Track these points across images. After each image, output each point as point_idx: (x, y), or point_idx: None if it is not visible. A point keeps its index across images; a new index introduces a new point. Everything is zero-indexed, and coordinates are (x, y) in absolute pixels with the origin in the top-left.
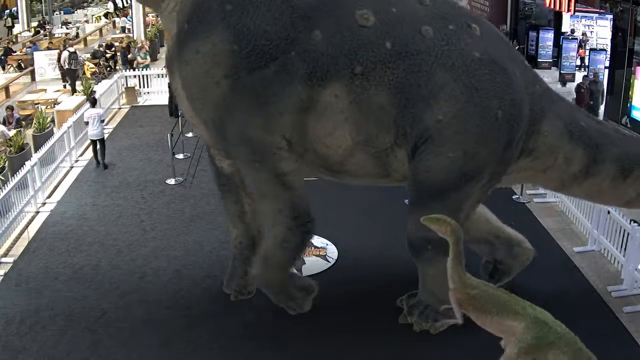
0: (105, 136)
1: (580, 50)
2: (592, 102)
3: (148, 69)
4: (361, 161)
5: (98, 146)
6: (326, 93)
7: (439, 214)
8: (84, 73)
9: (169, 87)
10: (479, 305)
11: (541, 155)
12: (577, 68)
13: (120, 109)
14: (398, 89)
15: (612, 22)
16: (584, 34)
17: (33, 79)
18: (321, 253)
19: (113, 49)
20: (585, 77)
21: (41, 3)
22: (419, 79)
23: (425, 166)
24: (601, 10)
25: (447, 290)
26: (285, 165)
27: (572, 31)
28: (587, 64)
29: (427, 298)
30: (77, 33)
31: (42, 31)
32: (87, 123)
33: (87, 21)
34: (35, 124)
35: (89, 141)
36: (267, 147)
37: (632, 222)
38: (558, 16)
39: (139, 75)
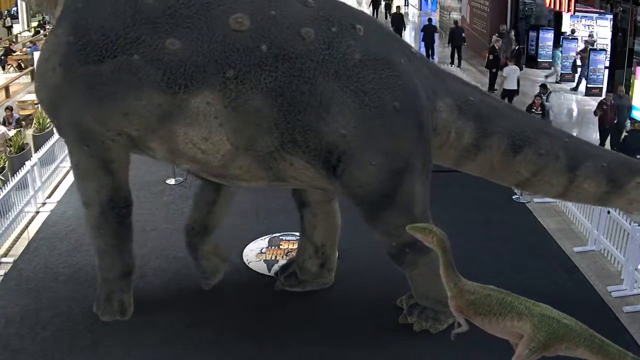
0: None
1: (584, 53)
2: (617, 120)
3: None
4: (245, 165)
5: None
6: (196, 100)
7: (394, 219)
8: None
9: None
10: (480, 310)
11: (439, 131)
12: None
13: None
14: (278, 92)
15: (612, 22)
16: (590, 35)
17: (33, 79)
18: None
19: None
20: (608, 93)
21: None
22: (301, 86)
23: (356, 182)
24: (601, 10)
25: (437, 289)
26: (115, 154)
27: (573, 31)
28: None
29: (422, 301)
30: None
31: (42, 31)
32: None
33: None
34: (35, 124)
35: None
36: (97, 136)
37: (632, 222)
38: (558, 16)
39: None
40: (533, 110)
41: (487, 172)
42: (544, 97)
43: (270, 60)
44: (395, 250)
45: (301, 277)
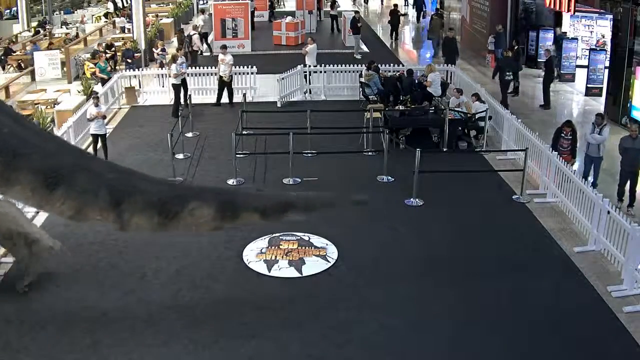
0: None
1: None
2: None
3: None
4: None
5: (99, 144)
6: None
7: None
8: (84, 73)
9: (174, 87)
10: None
11: None
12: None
13: (120, 108)
14: None
15: (612, 22)
16: (603, 35)
17: (33, 79)
18: (321, 253)
19: (113, 49)
20: None
21: (41, 3)
22: None
23: None
24: (601, 10)
25: None
26: None
27: (603, 38)
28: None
29: None
30: (77, 33)
31: (42, 31)
32: (90, 120)
33: (82, 22)
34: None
35: (90, 140)
36: None
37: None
38: (558, 16)
39: (138, 75)
40: (562, 135)
41: (33, 205)
42: (598, 129)
43: None
44: None
45: None
